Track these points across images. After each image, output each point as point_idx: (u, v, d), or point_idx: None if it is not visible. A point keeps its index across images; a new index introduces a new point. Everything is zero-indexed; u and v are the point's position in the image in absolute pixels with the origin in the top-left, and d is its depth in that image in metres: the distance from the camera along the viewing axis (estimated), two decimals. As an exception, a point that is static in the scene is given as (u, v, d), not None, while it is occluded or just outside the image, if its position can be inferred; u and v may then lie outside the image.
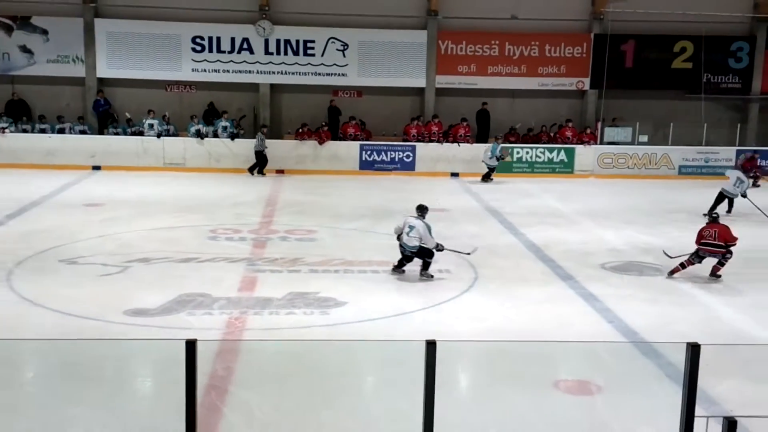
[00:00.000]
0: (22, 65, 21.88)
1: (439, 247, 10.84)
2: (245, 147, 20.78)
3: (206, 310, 9.33)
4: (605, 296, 10.32)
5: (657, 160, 22.49)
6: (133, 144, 21.21)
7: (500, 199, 18.03)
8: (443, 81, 23.02)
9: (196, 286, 10.15)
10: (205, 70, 22.35)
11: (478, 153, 21.58)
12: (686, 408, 4.95)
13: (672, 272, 11.29)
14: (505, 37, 22.96)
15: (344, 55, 22.57)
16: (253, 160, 20.78)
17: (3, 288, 10.01)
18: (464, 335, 8.60)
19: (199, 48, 22.23)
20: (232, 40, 22.26)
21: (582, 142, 22.44)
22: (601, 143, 22.65)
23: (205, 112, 22.33)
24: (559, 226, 15.16)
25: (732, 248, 11.07)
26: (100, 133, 21.84)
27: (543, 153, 22.29)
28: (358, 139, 22.07)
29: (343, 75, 22.69)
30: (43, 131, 21.45)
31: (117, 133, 21.63)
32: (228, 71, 22.42)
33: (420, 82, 22.99)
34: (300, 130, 21.79)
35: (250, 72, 22.48)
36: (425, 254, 10.80)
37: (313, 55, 22.56)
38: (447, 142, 21.98)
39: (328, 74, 22.66)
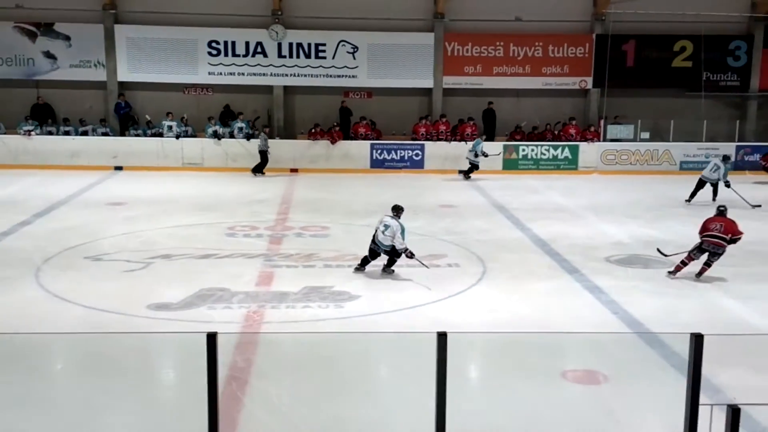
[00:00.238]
0: (46, 70, 21.96)
1: (408, 253, 10.40)
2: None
3: (226, 304, 9.35)
4: (610, 288, 10.27)
5: (659, 156, 22.38)
6: (153, 145, 21.26)
7: (507, 195, 17.98)
8: (450, 81, 22.97)
9: (215, 281, 10.17)
10: (221, 74, 22.37)
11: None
12: (691, 396, 4.94)
13: (674, 271, 10.86)
14: (509, 38, 22.89)
15: (354, 58, 22.55)
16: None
17: (31, 284, 10.07)
18: (474, 327, 8.58)
19: (215, 52, 22.25)
20: (247, 44, 22.28)
21: (585, 140, 22.35)
22: (604, 140, 22.55)
23: (222, 113, 22.37)
24: (565, 220, 15.11)
25: (737, 241, 10.72)
26: (122, 134, 21.90)
27: (548, 150, 22.23)
28: (369, 139, 22.06)
29: (353, 77, 22.67)
30: (67, 133, 21.54)
31: (137, 135, 21.70)
32: (243, 74, 22.44)
33: (428, 83, 22.95)
34: (313, 131, 21.80)
35: (264, 75, 22.48)
36: (394, 253, 10.52)
37: (324, 57, 22.55)
38: (455, 140, 21.94)
39: (339, 76, 22.64)
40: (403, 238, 10.40)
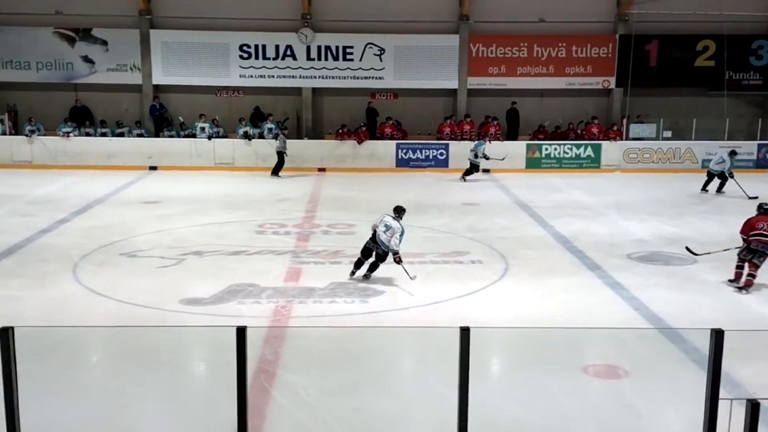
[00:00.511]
0: (85, 74, 22.24)
1: (398, 258, 9.79)
2: (290, 147, 20.80)
3: (255, 299, 9.41)
4: (631, 285, 10.16)
5: (681, 155, 22.08)
6: (186, 146, 21.45)
7: (530, 193, 17.87)
8: (475, 82, 22.87)
9: (245, 277, 10.23)
10: (251, 76, 22.49)
11: (509, 150, 21.44)
12: (710, 391, 4.89)
13: (735, 279, 10.01)
14: (533, 39, 22.72)
15: (381, 60, 22.55)
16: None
17: (69, 279, 10.22)
18: (496, 322, 8.55)
19: (246, 55, 22.38)
20: (277, 47, 22.37)
21: (608, 139, 22.15)
22: (627, 139, 22.29)
23: (252, 115, 22.50)
24: (587, 218, 14.98)
25: None
26: (156, 136, 22.11)
27: (570, 149, 22.04)
28: (395, 139, 22.03)
29: (380, 78, 22.68)
30: (104, 135, 21.80)
31: (171, 136, 21.90)
32: (273, 77, 22.53)
33: (453, 84, 22.87)
34: (340, 131, 21.85)
35: (293, 77, 22.56)
36: (382, 258, 10.03)
37: (351, 60, 22.58)
38: (478, 140, 21.84)
39: (366, 78, 22.65)
40: (400, 242, 9.87)
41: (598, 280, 10.53)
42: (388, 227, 9.92)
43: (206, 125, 21.61)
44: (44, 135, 21.40)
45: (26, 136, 21.17)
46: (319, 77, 22.61)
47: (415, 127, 22.74)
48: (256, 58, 22.42)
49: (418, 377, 7.42)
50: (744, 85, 23.16)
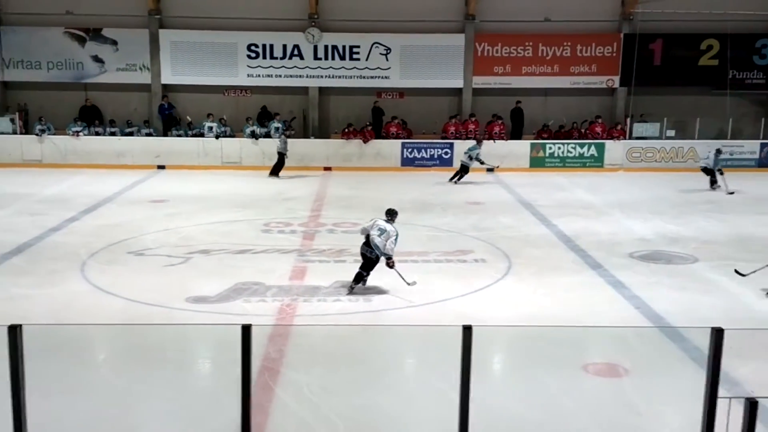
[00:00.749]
0: (94, 73, 22.31)
1: (391, 263, 9.29)
2: (297, 146, 20.86)
3: (260, 297, 9.43)
4: (633, 284, 10.15)
5: (684, 154, 22.00)
6: (194, 145, 21.49)
7: (533, 192, 17.84)
8: (480, 81, 22.84)
9: (251, 276, 10.26)
10: (259, 76, 22.52)
11: (512, 149, 21.46)
12: (710, 389, 4.89)
13: None
14: (538, 38, 22.68)
15: (387, 59, 22.54)
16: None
17: (77, 277, 10.26)
18: (499, 320, 8.55)
19: (253, 55, 22.41)
20: (284, 47, 22.39)
21: (611, 138, 22.09)
22: (630, 138, 22.25)
23: (259, 114, 22.52)
24: (590, 217, 14.96)
25: None
26: (165, 135, 22.17)
27: (574, 148, 22.00)
28: (400, 138, 22.03)
29: (386, 77, 22.67)
30: (113, 134, 21.87)
31: (179, 135, 21.95)
32: (280, 76, 22.56)
33: (458, 83, 22.85)
34: (346, 130, 21.86)
35: (300, 76, 22.58)
36: (374, 263, 9.48)
37: (358, 59, 22.58)
38: (484, 139, 21.80)
39: (372, 77, 22.65)
40: (395, 246, 9.40)
41: (600, 278, 10.52)
42: (382, 230, 9.35)
43: (214, 124, 21.65)
44: (54, 134, 21.48)
45: (36, 135, 21.26)
46: (326, 77, 22.62)
47: (421, 127, 22.73)
48: (264, 57, 22.44)
49: (420, 375, 7.43)
50: (747, 84, 23.07)
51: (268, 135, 21.51)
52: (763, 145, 22.11)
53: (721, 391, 4.92)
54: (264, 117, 22.36)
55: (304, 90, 22.80)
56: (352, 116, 22.40)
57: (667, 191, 18.22)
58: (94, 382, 7.02)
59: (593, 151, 21.96)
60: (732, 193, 17.54)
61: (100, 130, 21.91)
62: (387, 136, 22.07)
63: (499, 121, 22.11)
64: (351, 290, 9.53)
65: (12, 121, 21.55)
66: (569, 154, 21.94)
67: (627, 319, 8.72)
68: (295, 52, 22.45)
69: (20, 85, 22.43)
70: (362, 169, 21.34)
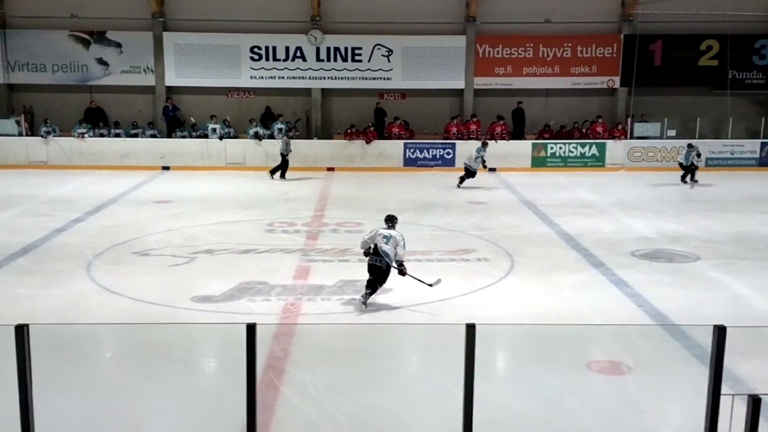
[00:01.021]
0: (99, 76, 22.32)
1: (403, 270, 8.92)
2: (300, 147, 20.85)
3: (265, 296, 9.42)
4: (635, 282, 10.12)
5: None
6: (198, 146, 21.50)
7: (535, 191, 17.83)
8: (481, 82, 22.82)
9: (255, 275, 10.25)
10: (262, 77, 22.52)
11: (514, 149, 21.42)
12: (713, 386, 4.87)
13: None
14: (539, 39, 22.65)
15: (389, 61, 22.54)
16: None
17: (83, 277, 10.26)
18: (502, 319, 8.52)
19: (256, 57, 22.41)
20: (287, 48, 22.39)
21: (612, 138, 22.06)
22: (631, 138, 22.22)
23: (263, 115, 22.53)
24: (591, 216, 14.93)
25: None
26: (169, 136, 22.18)
27: (575, 148, 21.97)
28: (402, 138, 22.03)
29: (388, 79, 22.67)
30: (117, 135, 21.87)
31: (183, 137, 21.96)
32: (283, 78, 22.56)
33: (459, 84, 22.84)
34: (348, 131, 21.85)
35: (303, 78, 22.58)
36: (386, 273, 8.99)
37: (360, 61, 22.57)
38: (486, 139, 21.76)
39: (374, 78, 22.65)
40: (405, 250, 9.02)
41: (602, 277, 10.50)
42: (387, 237, 8.91)
43: (217, 126, 21.65)
44: (59, 136, 21.49)
45: (42, 137, 21.28)
46: (328, 78, 22.62)
47: (423, 127, 22.71)
48: (267, 59, 22.45)
49: (424, 374, 7.41)
50: (747, 84, 23.05)
51: (271, 136, 21.51)
52: (763, 145, 22.08)
53: (724, 389, 4.90)
54: (267, 118, 22.35)
55: (307, 91, 22.80)
56: (355, 117, 22.40)
57: (668, 190, 18.22)
58: (101, 381, 7.01)
59: (594, 150, 21.93)
60: (696, 181, 19.02)
61: (104, 131, 21.92)
62: (389, 137, 22.06)
63: (501, 122, 22.09)
64: (365, 303, 8.88)
65: (18, 123, 21.57)
66: (570, 154, 21.92)
67: (629, 317, 8.70)
68: (298, 53, 22.45)
69: (26, 87, 22.46)
70: (365, 169, 21.33)
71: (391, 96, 23.13)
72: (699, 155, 19.75)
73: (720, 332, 4.80)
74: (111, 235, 12.78)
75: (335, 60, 22.53)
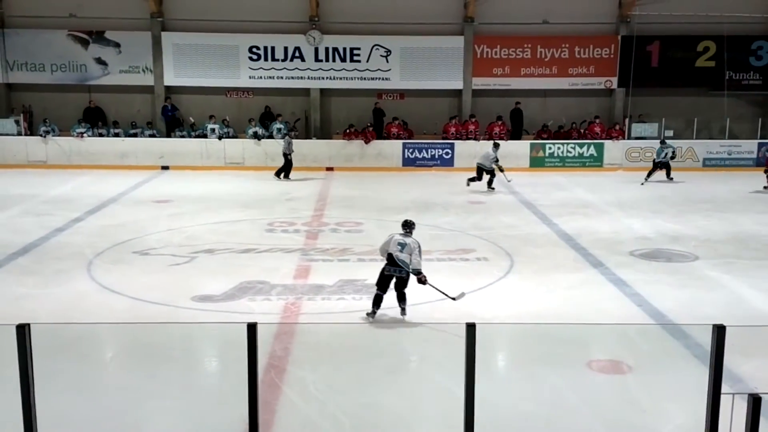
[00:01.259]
0: (98, 76, 22.28)
1: (423, 278, 8.38)
2: (299, 147, 20.80)
3: (265, 296, 9.41)
4: (634, 281, 10.13)
5: (682, 154, 21.91)
6: (197, 146, 21.47)
7: (534, 191, 17.82)
8: (479, 83, 22.82)
9: (255, 275, 10.24)
10: (261, 77, 22.50)
11: (513, 149, 21.39)
12: (713, 385, 4.86)
13: None
14: (537, 40, 22.65)
15: (387, 61, 22.53)
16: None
17: (83, 276, 10.24)
18: (502, 318, 8.52)
19: (255, 57, 22.39)
20: (285, 49, 22.37)
21: (610, 138, 22.08)
22: (629, 138, 22.23)
23: (262, 115, 22.51)
24: (590, 216, 14.94)
25: None
26: (168, 136, 22.14)
27: (573, 148, 21.99)
28: (401, 138, 22.02)
29: (386, 79, 22.66)
30: (117, 135, 21.84)
31: (183, 137, 21.93)
32: (282, 78, 22.54)
33: (458, 84, 22.83)
34: (347, 131, 21.84)
35: (301, 78, 22.56)
36: (405, 282, 8.55)
37: (359, 61, 22.56)
38: (483, 139, 21.81)
39: (372, 79, 22.63)
40: (421, 258, 8.53)
41: (601, 276, 10.50)
42: (402, 245, 8.43)
43: (216, 126, 21.63)
44: (59, 135, 21.45)
45: (41, 136, 21.25)
46: (327, 78, 22.60)
47: (421, 127, 22.71)
48: (265, 59, 22.42)
49: (425, 373, 7.39)
50: (744, 85, 23.06)
51: (270, 136, 21.49)
52: (760, 145, 22.09)
53: (725, 388, 4.89)
54: (266, 118, 22.34)
55: (306, 91, 22.78)
56: (354, 117, 22.38)
57: (666, 190, 18.21)
58: (102, 380, 7.00)
59: (592, 151, 21.95)
60: (671, 179, 19.37)
61: (104, 131, 21.88)
62: (388, 137, 22.06)
63: (500, 122, 22.09)
64: (373, 314, 8.53)
65: (17, 122, 21.52)
66: (569, 154, 21.93)
67: (629, 317, 8.70)
68: (296, 54, 22.43)
69: (24, 87, 22.40)
70: (364, 169, 21.32)
71: (390, 96, 23.12)
72: (674, 154, 19.91)
73: (719, 331, 4.79)
74: (111, 234, 12.75)
75: (334, 60, 22.52)
